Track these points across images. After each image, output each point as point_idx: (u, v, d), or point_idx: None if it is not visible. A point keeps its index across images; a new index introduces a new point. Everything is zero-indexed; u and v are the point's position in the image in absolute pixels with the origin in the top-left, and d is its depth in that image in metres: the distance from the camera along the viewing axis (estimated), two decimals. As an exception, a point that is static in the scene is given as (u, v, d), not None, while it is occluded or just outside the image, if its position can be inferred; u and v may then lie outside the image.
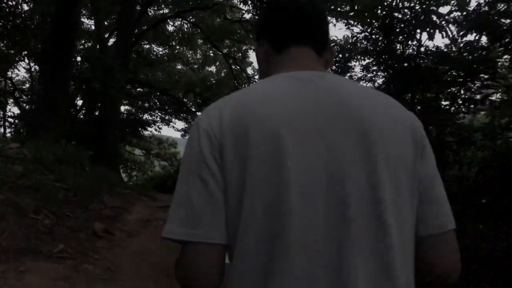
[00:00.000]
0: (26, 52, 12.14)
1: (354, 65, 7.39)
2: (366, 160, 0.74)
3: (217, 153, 0.75)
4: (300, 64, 0.89)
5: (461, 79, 5.61)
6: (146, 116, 19.99)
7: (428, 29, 5.45)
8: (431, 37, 5.36)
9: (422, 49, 6.25)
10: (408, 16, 5.96)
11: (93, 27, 14.69)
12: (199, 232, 0.73)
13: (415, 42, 6.29)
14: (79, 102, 17.62)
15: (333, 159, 0.74)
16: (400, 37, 6.31)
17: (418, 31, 6.08)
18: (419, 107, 6.72)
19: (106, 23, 16.62)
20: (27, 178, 5.88)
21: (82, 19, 14.99)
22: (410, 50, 6.38)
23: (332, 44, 1.15)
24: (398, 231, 0.74)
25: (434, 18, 5.44)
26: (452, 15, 5.41)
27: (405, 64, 6.66)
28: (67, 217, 5.33)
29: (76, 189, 6.29)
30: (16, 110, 16.42)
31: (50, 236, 4.66)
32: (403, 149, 0.78)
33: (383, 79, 7.58)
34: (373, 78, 7.43)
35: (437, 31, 5.54)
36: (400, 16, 5.91)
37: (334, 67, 7.45)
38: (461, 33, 5.28)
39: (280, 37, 0.94)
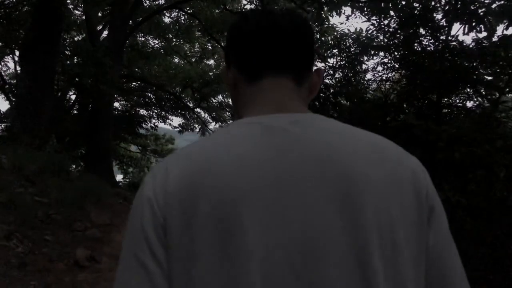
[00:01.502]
0: (14, 45, 11.40)
1: (367, 60, 6.63)
2: (353, 235, 0.58)
3: (162, 231, 0.60)
4: (273, 102, 0.72)
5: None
6: (142, 111, 19.23)
7: (466, 21, 4.66)
8: (471, 29, 4.58)
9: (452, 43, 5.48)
10: (439, 5, 5.19)
11: (84, 18, 13.79)
12: None
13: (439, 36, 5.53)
14: (73, 97, 16.93)
15: (308, 240, 0.57)
16: (421, 29, 5.54)
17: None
18: (446, 110, 5.99)
19: (100, 14, 15.85)
20: (2, 192, 5.12)
21: (75, 11, 14.23)
22: (435, 45, 5.61)
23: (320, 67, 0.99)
24: None
25: (472, 7, 4.66)
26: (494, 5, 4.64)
27: (430, 61, 5.90)
28: (45, 242, 4.59)
29: (59, 204, 5.54)
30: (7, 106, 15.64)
31: (23, 270, 3.91)
32: (404, 215, 0.61)
33: (403, 78, 6.85)
34: (390, 77, 6.69)
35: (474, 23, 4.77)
36: (432, 4, 5.12)
37: (344, 62, 6.73)
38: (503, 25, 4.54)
39: (249, 65, 0.75)
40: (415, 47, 5.80)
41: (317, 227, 0.58)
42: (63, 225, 5.15)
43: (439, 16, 5.37)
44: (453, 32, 5.46)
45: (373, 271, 0.57)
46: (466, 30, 4.91)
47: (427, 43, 5.70)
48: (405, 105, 5.84)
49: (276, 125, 0.66)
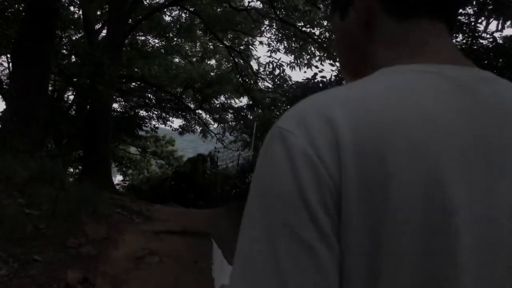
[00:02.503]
0: (6, 43, 10.95)
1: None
2: None
3: (331, 201, 0.44)
4: (442, 49, 0.56)
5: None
6: (142, 112, 18.80)
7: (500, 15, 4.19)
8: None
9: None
10: None
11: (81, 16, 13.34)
12: None
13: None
14: (71, 97, 16.51)
15: None
16: None
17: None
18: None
19: (98, 12, 15.42)
20: (-12, 205, 4.65)
21: (71, 8, 13.78)
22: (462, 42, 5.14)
23: None
24: None
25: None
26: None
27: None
28: (34, 262, 4.11)
29: (51, 217, 5.06)
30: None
31: (6, 298, 3.43)
32: None
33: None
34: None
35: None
36: None
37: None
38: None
39: None
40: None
41: None
42: (54, 241, 4.67)
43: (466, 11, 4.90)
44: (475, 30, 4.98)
45: None
46: (499, 27, 4.45)
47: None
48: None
49: (465, 80, 0.52)
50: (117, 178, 23.78)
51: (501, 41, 4.79)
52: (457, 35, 5.15)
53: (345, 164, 0.44)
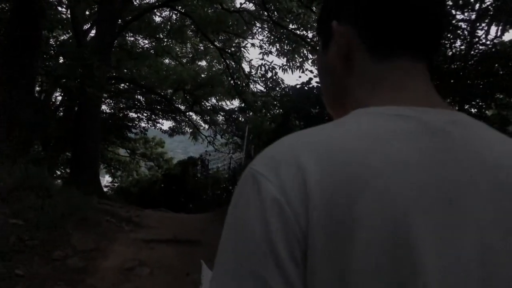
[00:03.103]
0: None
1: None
2: None
3: (298, 250, 0.45)
4: (417, 90, 0.57)
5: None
6: (131, 114, 18.50)
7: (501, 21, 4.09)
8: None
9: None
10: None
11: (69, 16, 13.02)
12: None
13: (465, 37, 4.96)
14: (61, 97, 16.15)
15: (488, 265, 0.47)
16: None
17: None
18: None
19: (87, 12, 15.13)
20: (-31, 215, 4.43)
21: (58, 8, 13.46)
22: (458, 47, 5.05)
23: None
24: None
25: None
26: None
27: (452, 66, 5.36)
28: (16, 278, 3.90)
29: (36, 227, 4.84)
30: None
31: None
32: None
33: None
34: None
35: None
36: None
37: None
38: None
39: (388, 34, 0.57)
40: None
41: (498, 252, 0.48)
42: (39, 253, 4.46)
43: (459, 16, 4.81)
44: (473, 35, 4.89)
45: None
46: (499, 33, 4.36)
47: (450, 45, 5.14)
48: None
49: (435, 123, 0.52)
50: (106, 179, 23.48)
51: (498, 47, 4.72)
52: (455, 41, 5.07)
53: (313, 213, 0.44)
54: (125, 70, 16.12)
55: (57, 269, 4.31)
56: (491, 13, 3.92)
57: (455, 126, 0.53)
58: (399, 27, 0.56)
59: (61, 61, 10.95)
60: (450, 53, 5.10)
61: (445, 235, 0.46)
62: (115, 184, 23.16)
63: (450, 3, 4.15)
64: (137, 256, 5.24)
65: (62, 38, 13.38)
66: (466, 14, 4.43)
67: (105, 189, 22.35)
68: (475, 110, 5.48)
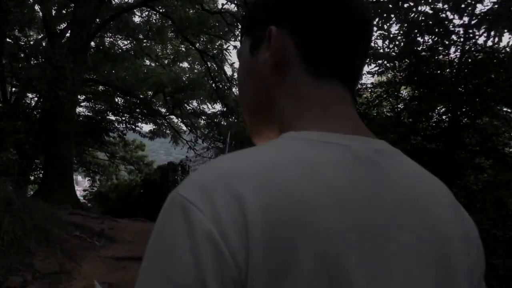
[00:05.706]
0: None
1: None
2: None
3: (231, 283, 0.41)
4: (348, 117, 0.56)
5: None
6: (109, 116, 17.89)
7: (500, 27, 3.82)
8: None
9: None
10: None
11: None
12: None
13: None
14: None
15: None
16: (430, 37, 4.71)
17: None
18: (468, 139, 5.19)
19: (64, 11, 14.54)
20: None
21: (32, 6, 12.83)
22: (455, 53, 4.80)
23: None
24: None
25: None
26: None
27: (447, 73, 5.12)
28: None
29: (-7, 248, 4.38)
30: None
31: None
32: (473, 271, 0.54)
33: (410, 92, 6.06)
34: (397, 93, 5.86)
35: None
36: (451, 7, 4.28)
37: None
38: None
39: (329, 52, 0.56)
40: (423, 55, 4.98)
41: (422, 283, 0.48)
42: (-6, 280, 4.00)
43: (457, 21, 4.55)
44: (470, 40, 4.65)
45: None
46: (496, 39, 4.10)
47: (443, 52, 4.88)
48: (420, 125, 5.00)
49: (362, 152, 0.51)
50: (85, 183, 22.83)
51: (492, 55, 4.49)
52: (449, 48, 4.83)
53: (253, 251, 0.41)
54: (105, 72, 15.55)
55: (13, 298, 3.86)
56: (489, 18, 3.66)
57: (381, 156, 0.52)
58: (339, 48, 0.55)
59: (35, 62, 10.44)
60: (445, 59, 4.86)
61: (376, 268, 0.45)
62: (94, 188, 22.57)
63: (446, 7, 3.89)
64: (107, 278, 4.80)
65: (32, 38, 12.77)
66: (464, 18, 4.17)
67: (83, 193, 21.75)
68: (466, 119, 5.27)
